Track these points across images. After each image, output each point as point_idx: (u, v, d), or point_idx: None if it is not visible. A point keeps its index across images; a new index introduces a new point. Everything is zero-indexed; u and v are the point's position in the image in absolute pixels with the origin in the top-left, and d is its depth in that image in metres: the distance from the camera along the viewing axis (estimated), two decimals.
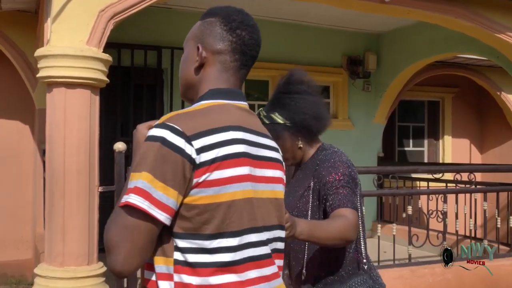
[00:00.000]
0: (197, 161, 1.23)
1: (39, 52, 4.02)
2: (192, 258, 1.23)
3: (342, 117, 8.54)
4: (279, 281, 1.40)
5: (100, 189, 4.11)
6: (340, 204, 1.95)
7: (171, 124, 1.25)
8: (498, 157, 10.35)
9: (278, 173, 1.45)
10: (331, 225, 1.89)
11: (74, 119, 3.98)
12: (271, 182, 1.41)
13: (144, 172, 1.21)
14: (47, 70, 3.96)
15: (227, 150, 1.26)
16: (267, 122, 2.12)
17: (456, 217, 5.51)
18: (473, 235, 5.90)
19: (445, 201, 5.37)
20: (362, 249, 2.10)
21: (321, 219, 2.06)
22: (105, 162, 4.77)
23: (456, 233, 5.60)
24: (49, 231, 4.02)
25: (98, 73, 4.03)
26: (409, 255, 5.11)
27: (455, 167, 6.18)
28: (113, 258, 1.22)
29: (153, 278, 1.27)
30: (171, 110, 7.10)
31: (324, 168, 2.04)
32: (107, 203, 4.10)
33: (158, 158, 1.21)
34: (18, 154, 6.71)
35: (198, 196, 1.23)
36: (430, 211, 5.88)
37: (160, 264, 1.26)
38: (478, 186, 6.03)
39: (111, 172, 4.02)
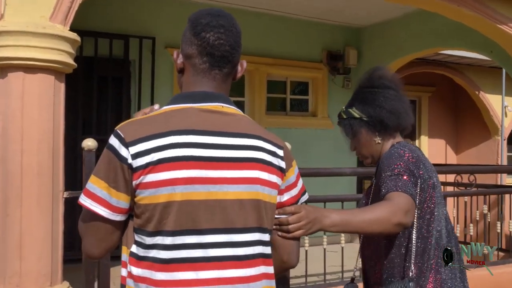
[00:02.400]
0: (133, 165, 1.33)
1: None
2: (140, 251, 1.35)
3: (321, 115, 8.05)
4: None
5: (66, 194, 3.50)
6: (389, 189, 1.83)
7: (117, 131, 1.38)
8: (474, 157, 10.15)
9: (255, 173, 1.42)
10: (372, 209, 1.79)
11: (34, 110, 3.36)
12: (239, 183, 1.39)
13: (92, 175, 1.38)
14: (0, 50, 3.29)
15: (162, 155, 1.33)
16: (344, 117, 2.10)
17: (457, 222, 5.10)
18: (469, 240, 5.51)
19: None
20: (412, 255, 1.90)
21: None
22: (64, 163, 4.07)
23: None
24: (3, 247, 3.35)
25: (63, 55, 3.41)
26: None
27: (456, 168, 5.79)
28: (83, 244, 1.43)
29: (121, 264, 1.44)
30: (138, 105, 6.55)
31: (383, 164, 1.96)
32: (74, 211, 3.45)
33: (105, 162, 1.36)
34: None
35: (140, 197, 1.34)
36: None
37: (124, 253, 1.42)
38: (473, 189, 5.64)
39: (74, 175, 3.38)
